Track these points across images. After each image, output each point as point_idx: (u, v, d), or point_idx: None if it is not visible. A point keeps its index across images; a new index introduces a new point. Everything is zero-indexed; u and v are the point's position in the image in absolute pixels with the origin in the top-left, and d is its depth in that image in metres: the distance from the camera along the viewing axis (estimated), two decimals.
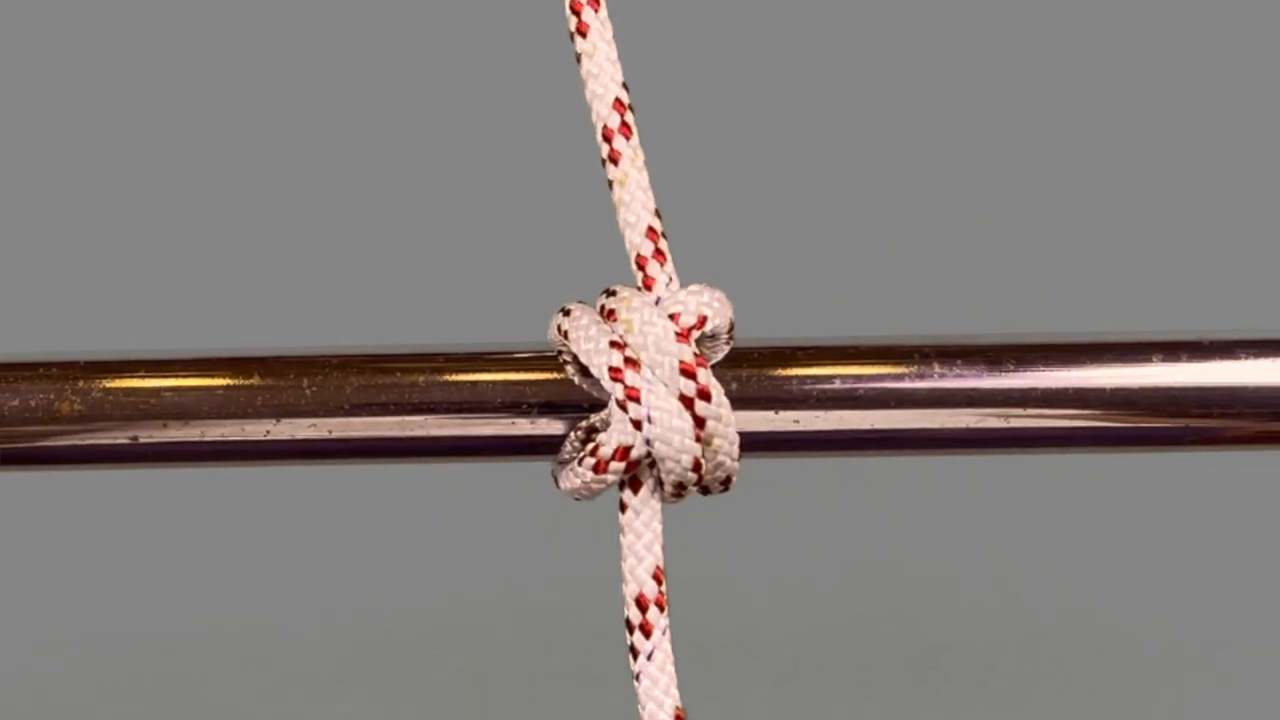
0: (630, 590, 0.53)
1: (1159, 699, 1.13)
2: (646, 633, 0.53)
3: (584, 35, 0.54)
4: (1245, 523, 1.22)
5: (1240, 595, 1.19)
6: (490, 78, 1.29)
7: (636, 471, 0.53)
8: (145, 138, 1.28)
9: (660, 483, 0.53)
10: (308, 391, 0.52)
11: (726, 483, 0.53)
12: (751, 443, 0.53)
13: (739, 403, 0.53)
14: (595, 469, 0.52)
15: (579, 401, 0.53)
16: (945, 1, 1.31)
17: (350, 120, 1.29)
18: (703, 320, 0.53)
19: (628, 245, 0.54)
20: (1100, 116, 1.30)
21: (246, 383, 0.52)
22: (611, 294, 0.53)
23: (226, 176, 1.28)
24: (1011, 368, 0.53)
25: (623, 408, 0.52)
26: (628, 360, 0.52)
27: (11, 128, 1.28)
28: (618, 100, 0.54)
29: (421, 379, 0.53)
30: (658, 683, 0.53)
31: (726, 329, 0.53)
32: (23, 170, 1.28)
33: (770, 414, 0.53)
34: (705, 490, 0.54)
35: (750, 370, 0.53)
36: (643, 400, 0.52)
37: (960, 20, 1.31)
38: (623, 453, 0.52)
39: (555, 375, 0.53)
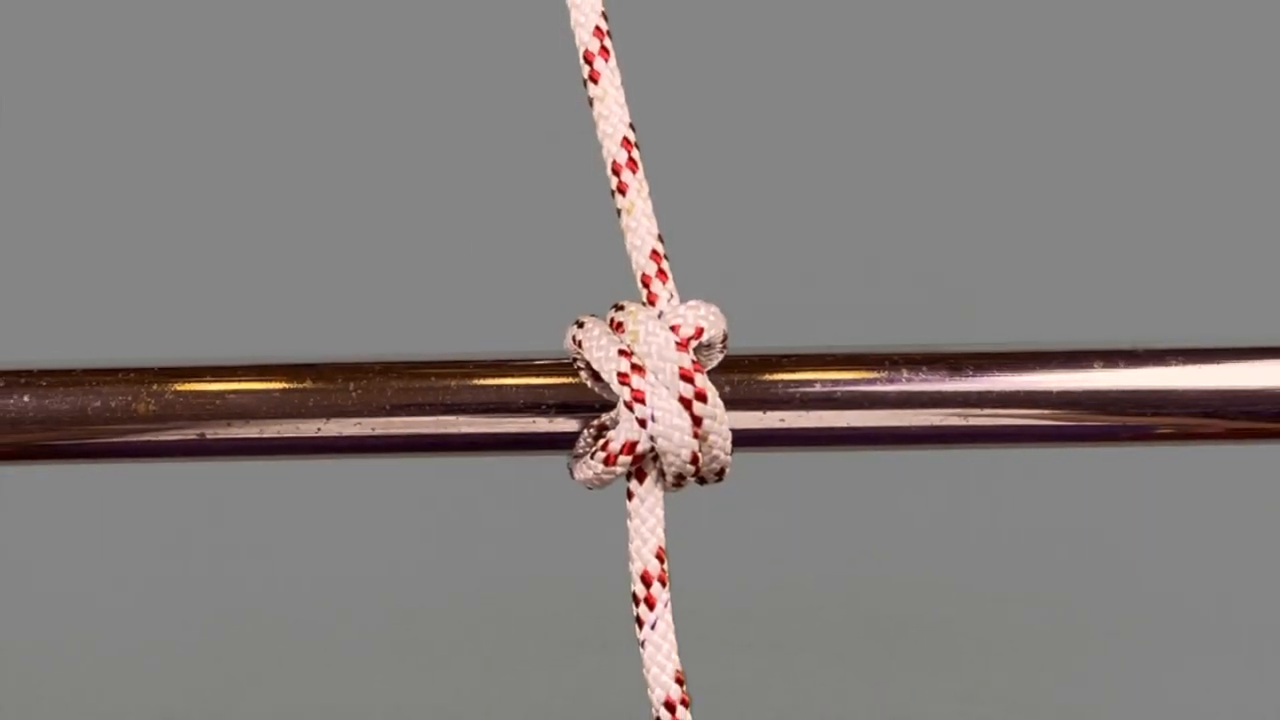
0: (636, 568, 0.54)
1: (1096, 664, 1.13)
2: (650, 605, 0.53)
3: (595, 82, 0.54)
4: (1176, 513, 1.22)
5: (1170, 576, 1.19)
6: (519, 122, 1.29)
7: (642, 464, 0.53)
8: (205, 173, 1.28)
9: (662, 474, 0.53)
10: (353, 394, 0.52)
11: (721, 474, 0.53)
12: (742, 439, 0.53)
13: (731, 404, 0.53)
14: (605, 462, 0.53)
15: (591, 403, 0.53)
16: (907, 41, 1.31)
17: (398, 159, 1.29)
18: (700, 331, 0.53)
19: (634, 266, 0.54)
20: (1064, 143, 1.30)
21: (300, 386, 0.52)
22: (620, 308, 0.53)
23: (285, 205, 1.28)
24: (970, 373, 0.53)
25: (630, 408, 0.52)
26: (634, 366, 0.52)
27: (78, 153, 1.28)
28: (625, 139, 0.54)
29: (453, 383, 0.53)
30: (660, 649, 0.54)
31: (721, 339, 0.53)
32: (98, 196, 1.28)
33: (759, 414, 0.53)
34: (702, 480, 0.54)
35: (741, 375, 0.53)
36: (647, 401, 0.52)
37: (924, 47, 1.31)
38: (630, 448, 0.52)
39: (570, 380, 0.53)
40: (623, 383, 0.52)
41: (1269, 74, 1.33)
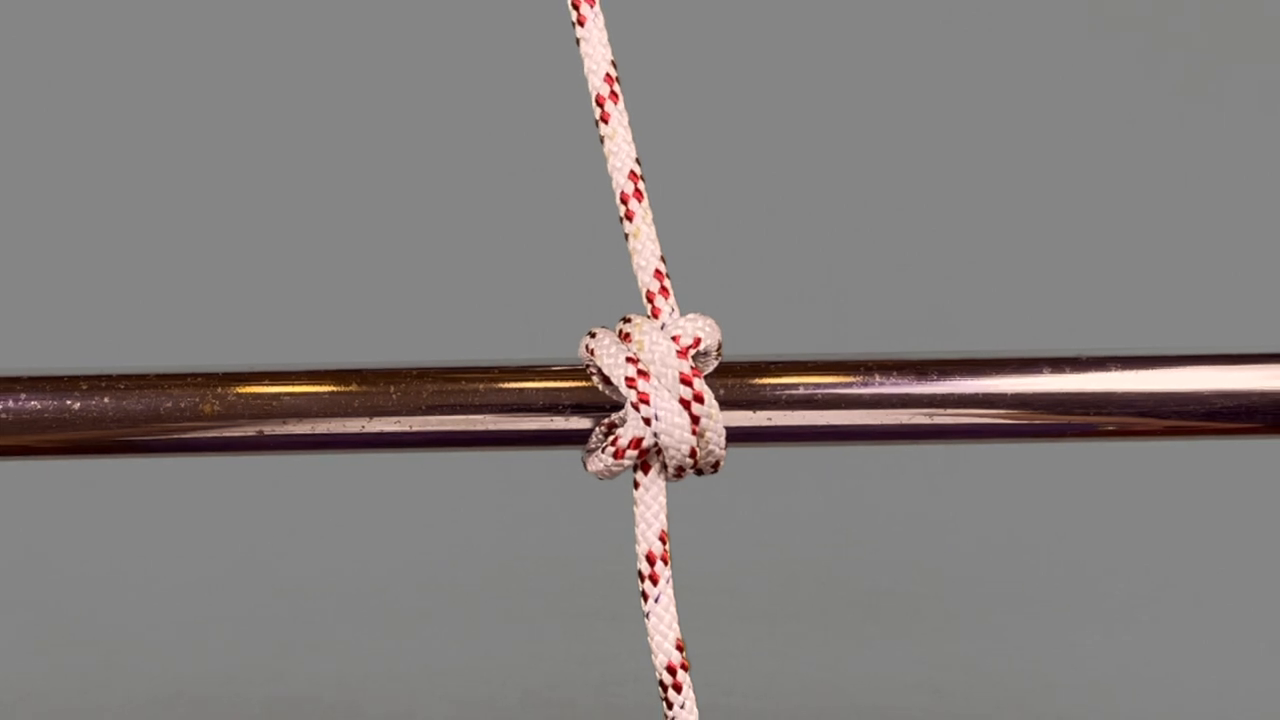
0: (641, 548, 0.53)
1: (1040, 632, 1.13)
2: (654, 581, 0.53)
3: (606, 123, 0.54)
4: (1113, 504, 1.22)
5: (1108, 559, 1.19)
6: (541, 158, 1.29)
7: (646, 458, 0.53)
8: (257, 197, 1.28)
9: (665, 466, 0.53)
10: (394, 396, 0.52)
11: (716, 466, 0.53)
12: (735, 435, 0.53)
13: (725, 404, 0.53)
14: (615, 456, 0.53)
15: (602, 404, 0.53)
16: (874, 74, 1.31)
17: (443, 203, 1.29)
18: (698, 341, 0.53)
19: (639, 283, 0.54)
20: (1009, 176, 1.30)
21: (346, 389, 0.52)
22: (627, 321, 0.54)
23: (331, 223, 1.28)
24: (935, 377, 0.53)
25: (636, 408, 0.52)
26: (640, 372, 0.52)
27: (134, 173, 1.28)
28: (632, 172, 0.54)
29: (481, 386, 0.53)
30: (663, 619, 0.54)
31: (716, 347, 0.53)
32: (161, 215, 1.28)
33: (750, 413, 0.53)
34: (700, 472, 0.54)
35: (734, 379, 0.53)
36: (651, 403, 0.52)
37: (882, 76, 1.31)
38: (636, 443, 0.52)
39: (584, 383, 0.53)
40: (630, 386, 0.52)
41: (1185, 103, 1.33)
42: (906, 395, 0.53)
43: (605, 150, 0.54)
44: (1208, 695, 1.07)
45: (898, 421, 0.53)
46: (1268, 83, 1.31)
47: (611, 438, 0.53)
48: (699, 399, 0.52)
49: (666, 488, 0.54)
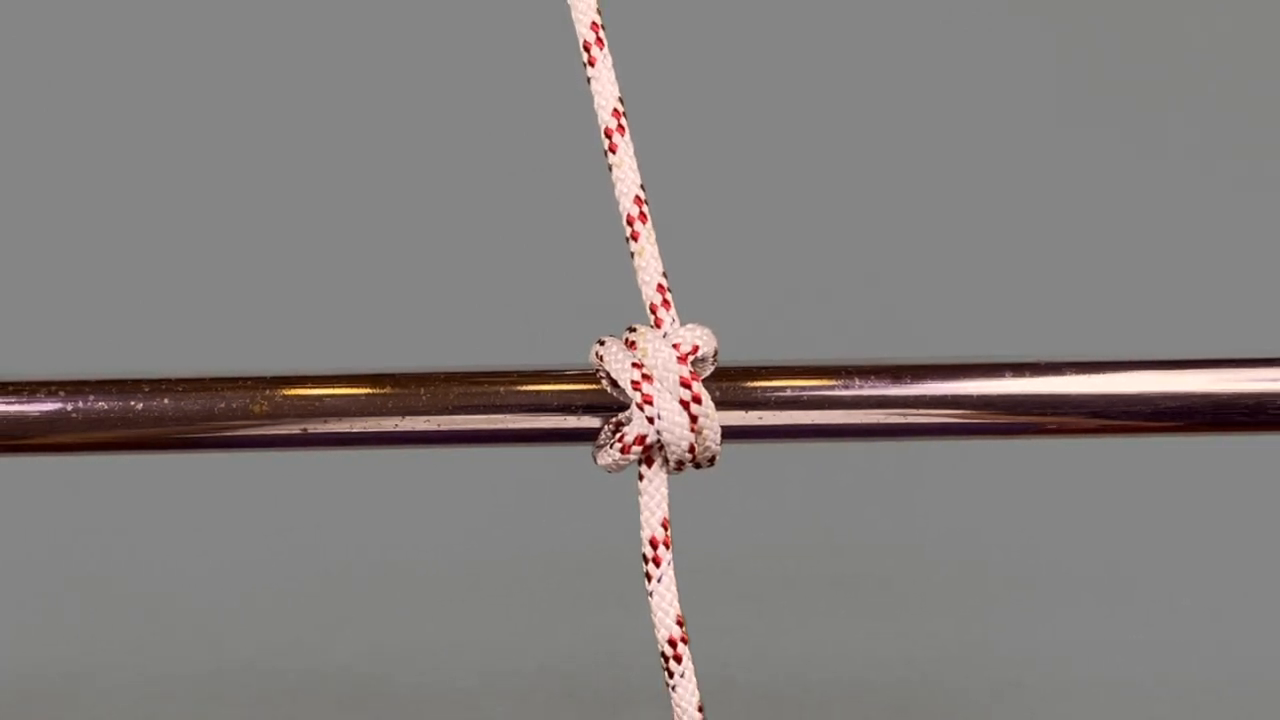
0: (645, 534, 0.54)
1: (1006, 611, 1.13)
2: (657, 564, 0.54)
3: (614, 153, 0.55)
4: (1070, 493, 1.22)
5: (1066, 544, 1.19)
6: (557, 186, 1.28)
7: (650, 453, 0.53)
8: (289, 205, 1.28)
9: (666, 461, 0.53)
10: (424, 397, 0.53)
11: (713, 461, 0.54)
12: (729, 433, 0.53)
13: (721, 405, 0.53)
14: (621, 451, 0.53)
15: (610, 404, 0.53)
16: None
17: (467, 228, 1.28)
18: (696, 348, 0.53)
19: (643, 296, 0.54)
20: (974, 196, 1.30)
21: (381, 391, 0.53)
22: (633, 330, 0.54)
23: (358, 231, 1.28)
24: (908, 381, 0.54)
25: (641, 409, 0.53)
26: (644, 376, 0.53)
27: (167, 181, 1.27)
28: (638, 197, 0.55)
29: (502, 388, 0.53)
30: (665, 598, 0.54)
31: (713, 354, 0.54)
32: (199, 224, 1.28)
33: (743, 413, 0.53)
34: (698, 466, 0.54)
35: (729, 382, 0.54)
36: (654, 404, 0.53)
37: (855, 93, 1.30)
38: (640, 440, 0.53)
39: (594, 386, 0.53)
40: (635, 389, 0.53)
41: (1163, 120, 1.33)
42: (883, 397, 0.54)
43: (613, 178, 0.55)
44: (1163, 663, 1.07)
45: (875, 420, 0.54)
46: (1225, 93, 1.30)
47: (619, 435, 0.53)
48: (697, 400, 0.53)
49: (668, 480, 0.54)
